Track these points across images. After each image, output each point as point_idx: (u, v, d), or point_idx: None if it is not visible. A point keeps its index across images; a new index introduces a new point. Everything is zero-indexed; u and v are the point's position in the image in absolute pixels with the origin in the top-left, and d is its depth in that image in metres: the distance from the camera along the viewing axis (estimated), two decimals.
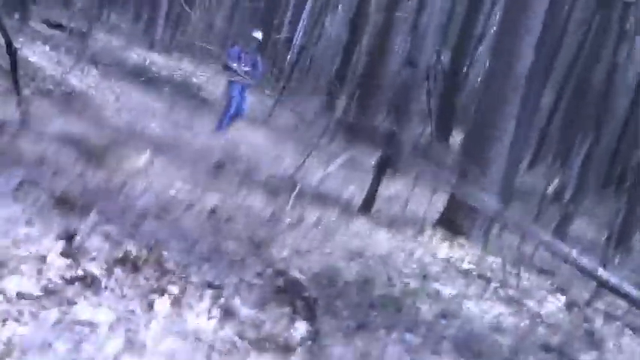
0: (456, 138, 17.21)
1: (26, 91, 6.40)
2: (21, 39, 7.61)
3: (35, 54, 9.15)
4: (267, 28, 18.58)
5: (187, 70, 13.91)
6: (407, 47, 15.08)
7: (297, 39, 19.81)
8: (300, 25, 20.16)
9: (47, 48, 10.14)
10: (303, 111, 13.62)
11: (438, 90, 17.98)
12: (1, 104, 6.32)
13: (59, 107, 7.40)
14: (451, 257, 5.41)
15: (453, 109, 17.76)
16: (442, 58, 18.99)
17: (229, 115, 9.82)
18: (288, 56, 19.40)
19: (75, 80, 8.85)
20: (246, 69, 9.66)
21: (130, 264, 3.45)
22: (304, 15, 20.17)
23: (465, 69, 19.41)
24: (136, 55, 13.15)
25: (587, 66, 16.13)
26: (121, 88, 9.96)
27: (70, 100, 8.08)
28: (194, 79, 13.41)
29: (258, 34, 10.31)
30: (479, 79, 20.86)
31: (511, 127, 6.82)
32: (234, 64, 9.58)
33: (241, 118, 10.01)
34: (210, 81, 14.02)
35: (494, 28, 20.18)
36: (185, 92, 11.69)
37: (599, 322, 4.84)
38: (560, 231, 11.06)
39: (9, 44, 6.19)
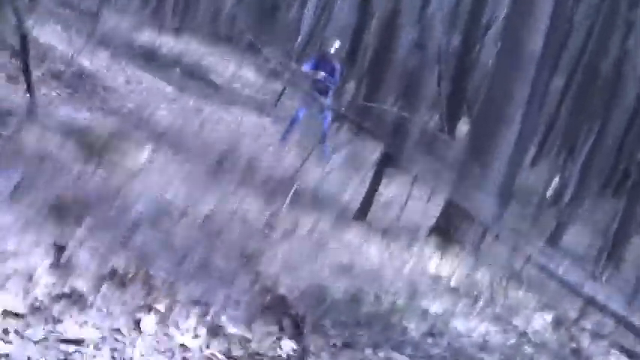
0: (462, 130, 17.12)
1: (37, 73, 6.31)
2: (32, 20, 7.49)
3: (46, 34, 9.05)
4: (275, 13, 18.55)
5: (197, 52, 13.87)
6: (416, 31, 14.97)
7: (305, 23, 19.75)
8: (308, 8, 20.10)
9: (58, 27, 10.06)
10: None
11: (448, 74, 17.89)
12: (10, 88, 6.28)
13: (68, 91, 7.36)
14: (441, 272, 5.43)
15: (463, 93, 17.63)
16: (452, 42, 18.88)
17: (290, 129, 9.61)
18: (297, 41, 19.35)
19: (85, 61, 8.80)
20: (322, 77, 9.45)
21: (118, 280, 3.46)
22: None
23: (474, 53, 19.28)
24: (146, 36, 13.09)
25: (595, 54, 15.98)
26: (130, 70, 9.94)
27: (79, 82, 8.02)
28: (204, 62, 13.37)
29: (336, 43, 10.13)
30: (488, 65, 20.65)
31: (519, 116, 6.76)
32: (311, 73, 9.43)
33: (323, 140, 9.71)
34: (220, 63, 14.01)
35: (504, 12, 20.01)
36: (195, 74, 11.69)
37: (585, 340, 4.87)
38: (555, 238, 11.12)
39: (20, 24, 6.07)
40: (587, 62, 16.55)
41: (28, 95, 5.94)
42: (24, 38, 5.97)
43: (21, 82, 6.15)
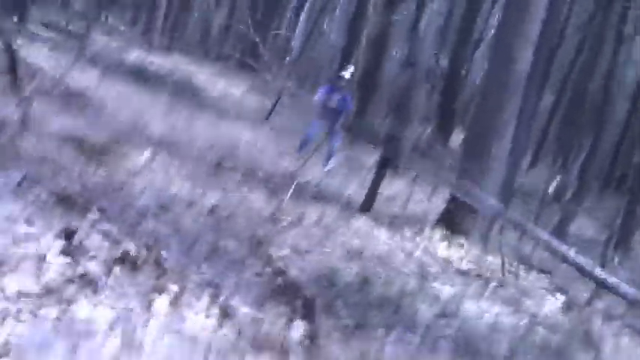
0: (456, 139, 17.22)
1: (26, 92, 6.38)
2: (20, 40, 7.60)
3: (34, 55, 9.14)
4: (265, 30, 18.65)
5: (186, 70, 13.90)
6: (406, 49, 15.10)
7: (296, 41, 19.83)
8: (299, 26, 20.19)
9: (46, 49, 10.15)
10: (301, 113, 13.61)
11: (437, 91, 17.99)
12: (1, 104, 6.32)
13: (59, 107, 7.39)
14: (450, 257, 5.41)
15: (452, 110, 17.76)
16: (441, 59, 19.01)
17: (305, 143, 9.58)
18: (287, 58, 19.42)
19: (74, 81, 8.83)
20: (333, 106, 9.40)
21: (129, 263, 3.45)
22: (302, 17, 20.19)
23: (464, 70, 19.39)
24: (135, 56, 13.14)
25: (586, 67, 16.15)
26: (120, 89, 9.95)
27: (69, 100, 8.06)
28: (193, 80, 13.40)
29: (347, 72, 10.11)
30: (478, 81, 20.83)
31: (511, 128, 6.83)
32: (323, 101, 9.41)
33: (332, 158, 9.66)
34: (210, 81, 14.03)
35: (494, 29, 20.18)
36: (184, 93, 11.68)
37: (597, 322, 4.84)
38: (560, 231, 11.09)
39: (8, 46, 6.20)
40: (577, 76, 16.72)
41: (20, 107, 6.02)
42: (12, 55, 6.07)
43: (11, 99, 6.21)
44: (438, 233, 6.38)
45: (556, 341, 4.42)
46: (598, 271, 5.14)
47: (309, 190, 6.65)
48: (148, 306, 3.30)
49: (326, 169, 9.02)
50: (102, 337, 3.00)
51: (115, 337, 3.04)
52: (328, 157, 9.51)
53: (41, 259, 3.20)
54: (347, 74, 9.98)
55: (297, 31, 20.20)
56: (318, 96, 9.65)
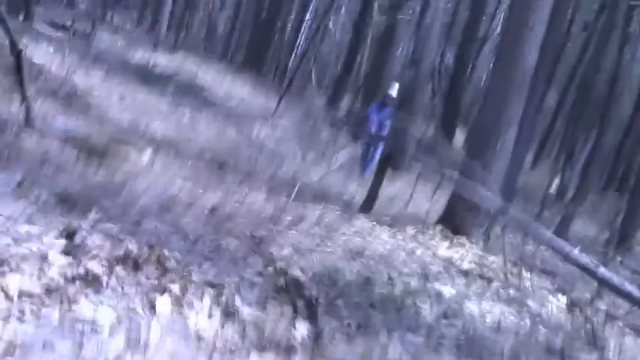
0: (459, 138, 17.22)
1: (30, 91, 6.41)
2: (25, 40, 7.62)
3: (39, 55, 9.16)
4: (270, 30, 18.67)
5: (191, 70, 13.92)
6: (410, 48, 15.07)
7: (301, 40, 19.84)
8: (304, 25, 20.20)
9: (51, 49, 10.16)
10: (306, 111, 13.63)
11: (442, 90, 17.98)
12: (5, 103, 6.35)
13: (63, 106, 7.43)
14: (452, 257, 5.41)
15: (457, 109, 17.76)
16: (446, 58, 18.99)
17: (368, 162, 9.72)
18: (292, 57, 19.44)
19: (79, 80, 8.86)
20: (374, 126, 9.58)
21: (131, 262, 3.46)
22: (308, 16, 20.19)
23: (469, 69, 19.37)
24: (140, 55, 13.16)
25: (591, 66, 16.11)
26: (124, 88, 9.97)
27: (73, 99, 8.10)
28: (197, 80, 13.42)
29: (394, 90, 10.06)
30: (483, 80, 20.82)
31: (515, 126, 6.81)
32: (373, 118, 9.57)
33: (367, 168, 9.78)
34: (214, 81, 14.05)
35: (499, 28, 20.14)
36: (189, 92, 11.71)
37: (600, 322, 4.83)
38: (562, 231, 11.08)
39: (13, 45, 6.22)
40: (582, 74, 16.66)
41: (24, 107, 6.03)
42: (18, 54, 6.09)
43: (16, 96, 6.23)
44: (440, 233, 6.38)
45: (558, 342, 4.41)
46: (602, 271, 5.12)
47: (309, 190, 6.65)
48: (151, 306, 3.31)
49: (364, 179, 9.05)
50: (104, 338, 3.02)
51: (118, 338, 3.05)
52: (367, 168, 9.55)
53: (43, 258, 3.21)
54: (394, 92, 10.07)
55: (302, 29, 20.21)
56: (370, 114, 9.91)
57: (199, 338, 3.29)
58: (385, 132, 9.92)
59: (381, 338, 3.82)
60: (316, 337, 3.67)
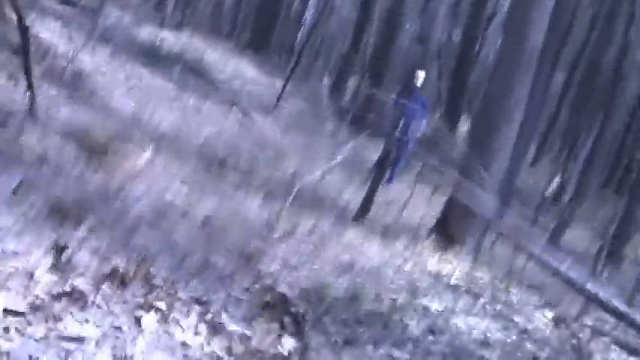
0: (463, 129, 17.02)
1: (37, 71, 6.27)
2: (32, 15, 7.45)
3: (46, 31, 9.02)
4: (276, 8, 18.54)
5: (198, 49, 13.83)
6: (417, 26, 14.89)
7: (307, 18, 19.73)
8: (310, 3, 20.10)
9: (59, 24, 10.03)
10: (311, 96, 13.50)
11: (449, 69, 17.80)
12: (11, 88, 6.27)
13: (67, 91, 7.32)
14: (440, 271, 5.43)
15: (463, 89, 17.53)
16: (453, 36, 18.86)
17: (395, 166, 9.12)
18: (298, 36, 19.30)
19: (86, 59, 8.74)
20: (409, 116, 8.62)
21: (118, 279, 3.46)
22: None
23: (476, 48, 19.13)
24: (147, 32, 13.02)
25: (597, 49, 15.92)
26: (131, 68, 9.88)
27: (79, 81, 7.97)
28: (205, 58, 13.33)
29: (419, 79, 9.41)
30: (490, 58, 20.54)
31: (521, 110, 6.76)
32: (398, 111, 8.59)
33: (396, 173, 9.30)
34: (220, 61, 13.97)
35: (506, 6, 19.95)
36: (196, 71, 11.64)
37: (586, 337, 4.87)
38: (555, 237, 11.12)
39: (20, 20, 6.03)
40: (588, 57, 16.50)
41: (28, 94, 5.91)
42: (25, 34, 5.93)
43: (21, 81, 6.13)
44: (431, 245, 6.39)
45: (544, 357, 4.44)
46: (589, 286, 5.16)
47: (307, 193, 6.57)
48: (136, 323, 3.31)
49: (390, 184, 8.60)
50: (90, 355, 3.02)
51: (103, 355, 3.06)
52: (394, 171, 9.03)
53: (29, 276, 3.21)
54: (419, 81, 9.36)
55: (308, 7, 20.11)
56: (395, 102, 8.88)
57: (186, 355, 3.30)
58: (417, 131, 9.03)
59: (368, 354, 3.84)
60: (303, 352, 3.69)
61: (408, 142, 8.88)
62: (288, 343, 3.68)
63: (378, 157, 8.22)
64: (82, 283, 3.33)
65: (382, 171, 7.68)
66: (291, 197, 5.80)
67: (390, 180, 8.95)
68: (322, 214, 6.24)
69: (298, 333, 3.78)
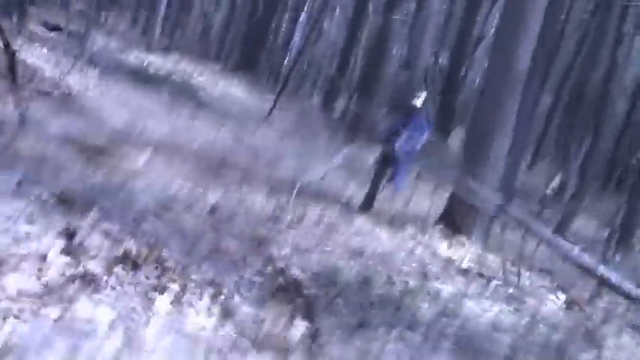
0: (455, 139, 17.18)
1: (25, 93, 6.38)
2: (19, 41, 7.59)
3: (33, 56, 9.13)
4: (265, 31, 18.65)
5: (186, 71, 13.89)
6: (405, 49, 15.08)
7: (295, 41, 19.82)
8: (298, 26, 20.18)
9: (45, 50, 10.13)
10: (301, 111, 13.59)
11: (436, 91, 17.94)
12: (0, 105, 6.32)
13: (57, 108, 7.39)
14: (451, 256, 5.41)
15: (452, 109, 17.73)
16: (440, 59, 18.99)
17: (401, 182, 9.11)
18: (286, 58, 19.41)
19: (73, 82, 8.82)
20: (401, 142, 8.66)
21: (130, 262, 3.45)
22: (302, 16, 20.19)
23: (463, 69, 19.33)
24: (134, 56, 13.13)
25: (585, 66, 16.12)
26: (119, 90, 9.94)
27: (68, 101, 8.06)
28: (192, 80, 13.39)
29: (419, 99, 9.36)
30: (477, 80, 20.79)
31: (511, 126, 6.84)
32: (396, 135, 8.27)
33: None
34: (209, 82, 14.03)
35: (493, 29, 20.11)
36: (184, 93, 11.66)
37: (598, 320, 4.84)
38: (561, 229, 11.10)
39: (7, 46, 6.18)
40: (576, 76, 16.70)
41: (18, 109, 6.01)
42: (12, 56, 6.05)
43: (10, 100, 6.20)
44: (440, 232, 6.38)
45: (557, 340, 4.41)
46: (600, 269, 5.12)
47: (309, 190, 6.63)
48: (149, 305, 3.29)
49: (399, 191, 8.66)
50: (103, 337, 3.00)
51: (116, 337, 3.04)
52: (402, 180, 8.97)
53: (42, 258, 3.20)
54: (419, 102, 9.45)
55: (296, 30, 20.20)
56: (395, 126, 8.94)
57: (197, 337, 3.28)
58: (416, 148, 9.11)
59: (380, 336, 3.82)
60: (314, 335, 3.67)
61: (411, 156, 9.00)
62: (300, 326, 3.66)
63: (376, 157, 8.23)
64: (94, 266, 3.31)
65: (383, 169, 7.68)
66: (295, 190, 5.80)
67: (396, 188, 8.99)
68: (327, 206, 6.24)
69: (310, 316, 3.76)
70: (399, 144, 8.22)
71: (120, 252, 3.48)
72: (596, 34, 15.13)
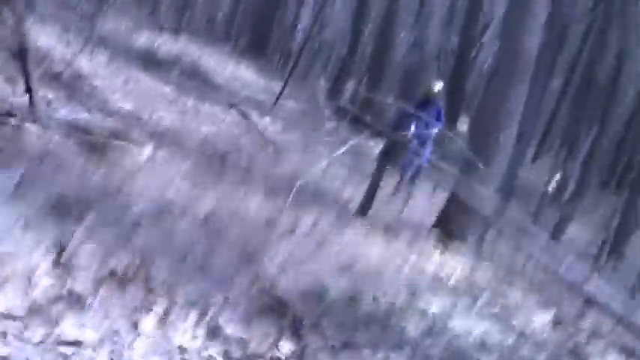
0: (462, 127, 17.04)
1: (35, 74, 6.29)
2: (30, 21, 7.47)
3: (45, 35, 9.03)
4: (273, 12, 18.52)
5: (195, 52, 13.84)
6: (414, 31, 14.90)
7: (303, 23, 19.72)
8: (306, 9, 20.07)
9: (57, 29, 10.03)
10: (309, 98, 13.53)
11: (447, 72, 17.79)
12: (9, 89, 6.27)
13: (66, 93, 7.34)
14: (440, 272, 5.42)
15: (462, 92, 17.56)
16: (450, 40, 18.81)
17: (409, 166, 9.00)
18: (295, 41, 19.30)
19: (84, 63, 8.77)
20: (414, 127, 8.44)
21: (116, 282, 3.47)
22: None
23: (473, 52, 19.13)
24: (144, 38, 13.05)
25: (594, 51, 15.87)
26: (129, 71, 9.90)
27: (77, 84, 8.00)
28: (202, 62, 13.35)
29: (437, 87, 9.23)
30: (487, 63, 20.56)
31: (519, 112, 6.75)
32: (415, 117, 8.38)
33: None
34: (218, 65, 13.98)
35: (502, 10, 19.86)
36: (193, 76, 11.65)
37: (584, 340, 4.87)
38: (557, 233, 11.12)
39: (19, 25, 6.02)
40: (585, 60, 16.48)
41: (27, 96, 5.94)
42: (23, 39, 5.96)
43: (20, 83, 6.15)
44: (434, 237, 6.38)
45: (542, 359, 4.45)
46: (587, 288, 5.16)
47: (308, 189, 6.56)
48: (135, 325, 3.33)
49: (405, 174, 8.59)
50: (88, 359, 3.04)
51: (101, 358, 3.08)
52: (417, 172, 8.91)
53: (28, 278, 3.22)
54: (437, 89, 9.37)
55: (304, 13, 20.10)
56: (410, 110, 8.59)
57: (183, 359, 3.32)
58: (430, 134, 8.87)
59: (365, 357, 3.85)
60: (300, 355, 3.70)
61: (426, 147, 8.87)
62: (286, 347, 3.70)
63: (379, 152, 8.18)
64: (80, 286, 3.34)
65: (384, 165, 7.64)
66: (292, 195, 5.78)
67: (412, 181, 8.91)
68: (324, 211, 6.23)
69: (296, 336, 3.79)
70: (411, 128, 8.20)
71: (106, 271, 3.50)
72: (604, 17, 14.82)
